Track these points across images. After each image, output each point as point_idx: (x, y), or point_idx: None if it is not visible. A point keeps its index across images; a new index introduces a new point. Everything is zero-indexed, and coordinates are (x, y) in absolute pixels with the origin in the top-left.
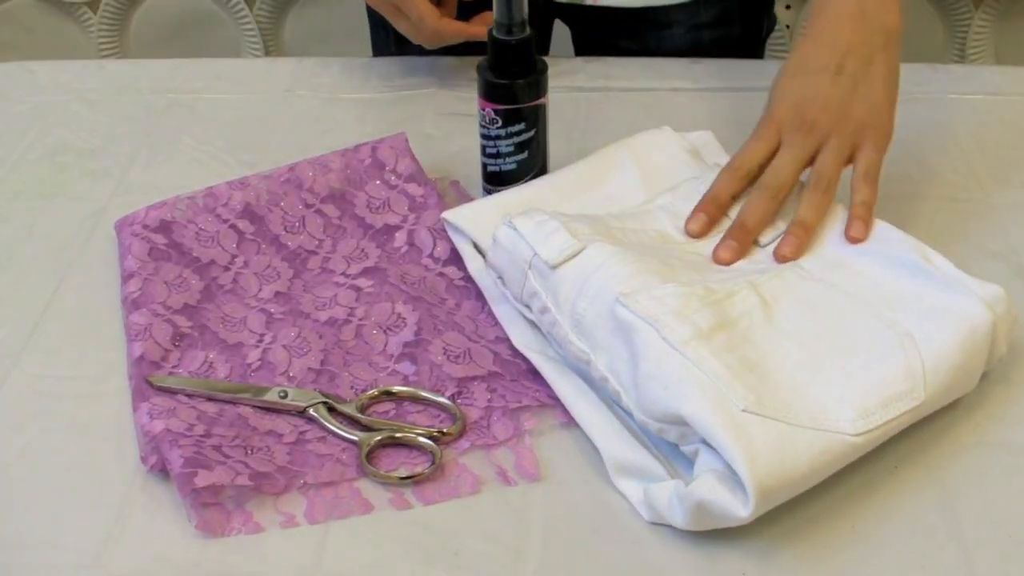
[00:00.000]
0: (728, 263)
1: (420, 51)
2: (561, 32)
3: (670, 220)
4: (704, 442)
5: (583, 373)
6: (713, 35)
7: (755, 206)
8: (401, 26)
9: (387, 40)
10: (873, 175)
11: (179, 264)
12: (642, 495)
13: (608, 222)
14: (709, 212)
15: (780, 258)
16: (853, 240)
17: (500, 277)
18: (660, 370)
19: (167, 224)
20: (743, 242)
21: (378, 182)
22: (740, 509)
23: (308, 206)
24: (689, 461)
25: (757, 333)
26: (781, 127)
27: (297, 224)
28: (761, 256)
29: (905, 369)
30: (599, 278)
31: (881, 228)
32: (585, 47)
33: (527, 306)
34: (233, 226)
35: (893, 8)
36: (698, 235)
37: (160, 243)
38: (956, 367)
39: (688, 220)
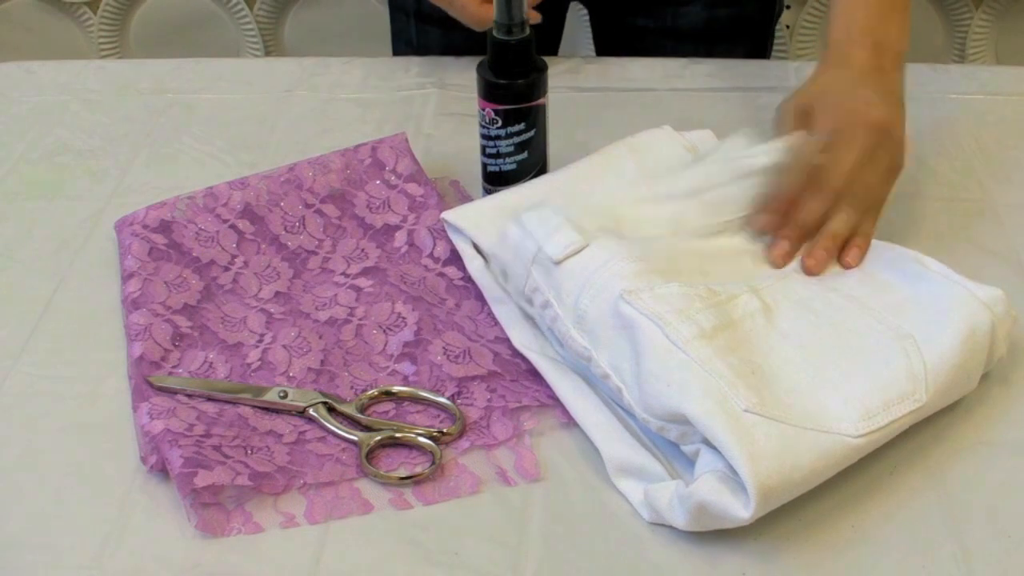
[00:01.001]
0: (816, 273)
1: (440, 34)
2: (572, 23)
3: (690, 206)
4: (705, 442)
5: (583, 371)
6: (729, 12)
7: (845, 217)
8: (448, 10)
9: (407, 23)
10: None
11: (179, 264)
12: (642, 495)
13: (619, 211)
14: (792, 238)
15: (807, 271)
16: (846, 266)
17: (503, 272)
18: (663, 367)
19: (167, 224)
20: (831, 251)
21: (378, 182)
22: (741, 510)
23: (308, 206)
24: (689, 461)
25: (759, 336)
26: (841, 133)
27: (297, 224)
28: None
29: (907, 371)
30: (602, 275)
31: (879, 243)
32: (602, 27)
33: (528, 301)
34: (233, 226)
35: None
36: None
37: (160, 243)
38: (957, 368)
39: (772, 248)
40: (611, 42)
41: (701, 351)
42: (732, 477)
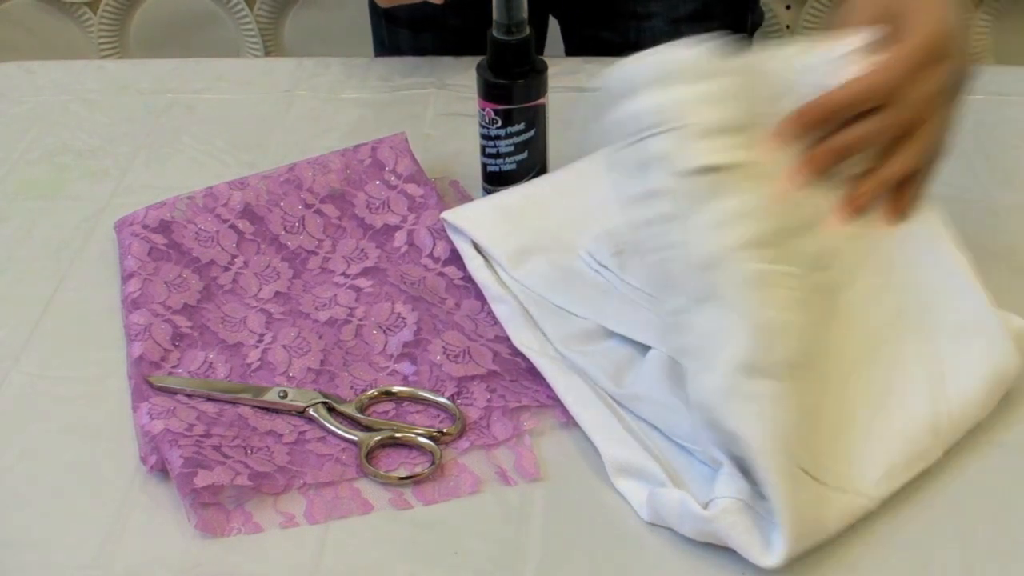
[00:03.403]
0: (855, 216)
1: (409, 35)
2: (556, 30)
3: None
4: (734, 463)
5: (590, 369)
6: (692, 30)
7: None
8: None
9: (379, 23)
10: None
11: (179, 264)
12: (641, 495)
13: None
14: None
15: (847, 215)
16: (895, 218)
17: (616, 127)
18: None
19: (167, 224)
20: (878, 195)
21: (378, 182)
22: (760, 556)
23: (308, 206)
24: (689, 462)
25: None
26: (931, 52)
27: (297, 224)
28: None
29: (931, 426)
30: (728, 238)
31: (942, 233)
32: (573, 41)
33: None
34: (233, 226)
35: None
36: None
37: (160, 243)
38: (976, 418)
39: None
40: (581, 55)
41: (777, 388)
42: (751, 510)
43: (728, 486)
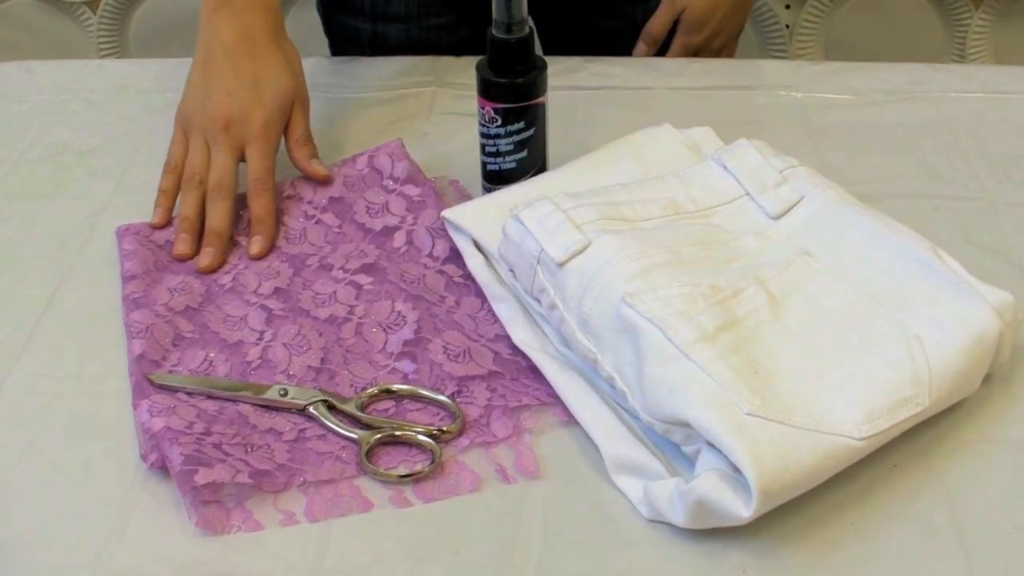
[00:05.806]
0: (212, 270)
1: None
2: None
3: (682, 187)
4: (708, 443)
5: (590, 370)
6: None
7: (218, 210)
8: None
9: (361, 52)
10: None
11: (180, 273)
12: (641, 493)
13: (616, 196)
14: (190, 231)
15: (251, 257)
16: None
17: (511, 270)
18: (665, 373)
19: (170, 241)
20: (220, 246)
21: (376, 188)
22: (742, 509)
23: (308, 217)
24: (690, 460)
25: (764, 332)
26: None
27: (299, 236)
28: (774, 240)
29: (911, 374)
30: (605, 276)
31: (896, 225)
32: (568, 33)
33: (537, 301)
34: (235, 241)
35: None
36: (189, 256)
37: (163, 258)
38: (961, 373)
39: (175, 245)
40: (581, 48)
41: (703, 354)
42: (733, 476)
43: (708, 462)
